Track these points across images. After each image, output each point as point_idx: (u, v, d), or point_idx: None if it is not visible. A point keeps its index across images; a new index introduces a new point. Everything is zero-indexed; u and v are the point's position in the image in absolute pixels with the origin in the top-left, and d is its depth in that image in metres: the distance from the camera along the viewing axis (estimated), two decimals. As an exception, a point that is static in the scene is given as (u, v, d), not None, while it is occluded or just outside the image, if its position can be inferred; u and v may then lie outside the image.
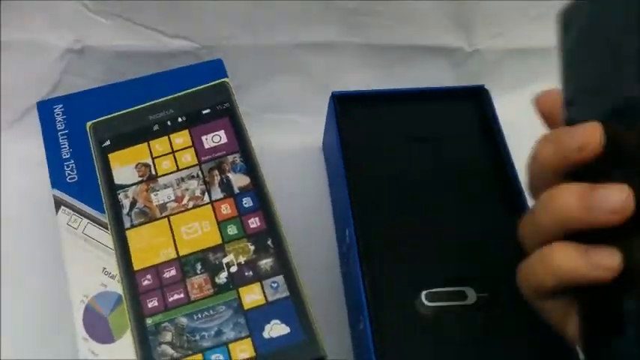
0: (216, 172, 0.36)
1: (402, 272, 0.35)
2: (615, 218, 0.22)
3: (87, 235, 0.34)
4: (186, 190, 0.35)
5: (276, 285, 0.33)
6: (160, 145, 0.37)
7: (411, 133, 0.40)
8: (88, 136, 0.37)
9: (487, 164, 0.39)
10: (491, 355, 0.33)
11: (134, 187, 0.35)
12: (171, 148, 0.37)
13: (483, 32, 0.45)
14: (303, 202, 0.43)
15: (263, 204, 0.35)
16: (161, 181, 0.35)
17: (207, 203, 0.35)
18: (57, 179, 0.35)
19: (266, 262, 0.33)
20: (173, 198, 0.35)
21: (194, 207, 0.35)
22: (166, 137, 0.37)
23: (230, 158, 0.36)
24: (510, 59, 0.47)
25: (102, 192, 0.35)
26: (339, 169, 0.39)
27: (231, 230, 0.34)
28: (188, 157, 0.36)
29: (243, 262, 0.33)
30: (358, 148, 0.39)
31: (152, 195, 0.35)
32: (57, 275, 0.33)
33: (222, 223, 0.34)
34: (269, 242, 0.34)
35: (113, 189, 0.35)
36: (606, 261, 0.22)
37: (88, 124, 0.37)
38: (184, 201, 0.35)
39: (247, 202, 0.35)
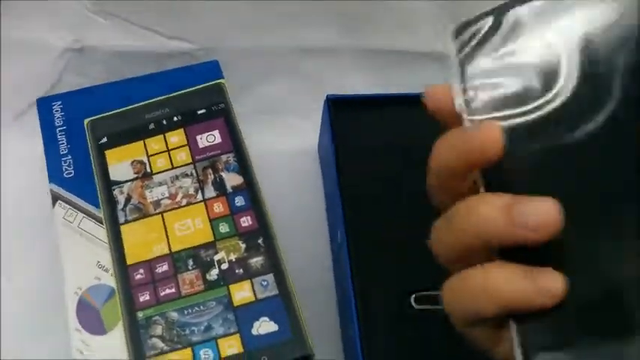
0: (209, 170, 0.37)
1: (391, 275, 0.36)
2: (542, 236, 0.20)
3: (82, 229, 0.35)
4: (180, 187, 0.36)
5: (265, 283, 0.33)
6: (155, 143, 0.37)
7: (404, 138, 0.41)
8: (86, 132, 0.38)
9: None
10: (479, 359, 0.34)
11: (129, 183, 0.36)
12: (167, 146, 0.37)
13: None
14: (297, 204, 0.43)
15: (255, 203, 0.35)
16: (156, 178, 0.36)
17: (201, 201, 0.36)
18: (54, 174, 0.36)
19: (256, 261, 0.34)
20: (167, 195, 0.36)
21: (187, 204, 0.35)
22: (162, 136, 0.38)
23: (224, 158, 0.37)
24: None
25: (98, 187, 0.36)
26: (332, 171, 0.39)
27: (223, 228, 0.35)
28: (183, 156, 0.37)
29: (234, 260, 0.34)
30: (352, 151, 0.40)
31: (147, 192, 0.36)
32: (52, 267, 0.34)
33: (214, 221, 0.35)
34: (260, 241, 0.34)
35: (109, 185, 0.36)
36: (553, 285, 0.20)
37: (86, 121, 0.38)
38: (178, 198, 0.36)
39: (239, 201, 0.36)
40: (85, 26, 0.43)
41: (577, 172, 0.22)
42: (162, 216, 0.35)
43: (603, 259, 0.21)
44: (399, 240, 0.37)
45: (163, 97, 0.39)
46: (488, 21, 0.25)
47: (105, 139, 0.38)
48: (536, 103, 0.23)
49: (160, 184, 0.36)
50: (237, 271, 0.33)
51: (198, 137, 0.38)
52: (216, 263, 0.34)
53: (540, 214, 0.20)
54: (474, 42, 0.25)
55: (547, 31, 0.24)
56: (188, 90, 0.39)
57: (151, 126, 0.38)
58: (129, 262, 0.34)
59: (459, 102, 0.24)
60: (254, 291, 0.33)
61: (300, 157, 0.46)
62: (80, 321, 0.32)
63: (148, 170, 0.36)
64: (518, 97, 0.24)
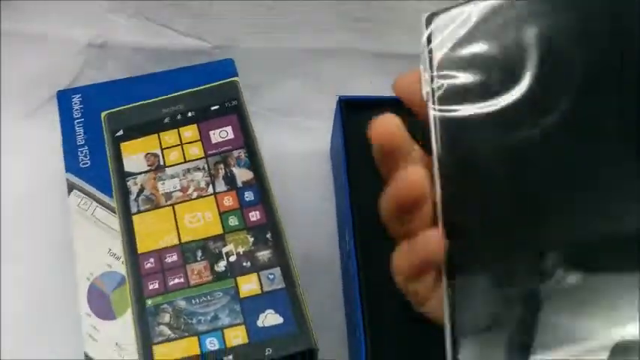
0: (221, 165, 0.37)
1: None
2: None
3: (96, 217, 0.36)
4: (192, 181, 0.37)
5: (272, 277, 0.34)
6: (169, 137, 0.38)
7: (414, 140, 0.41)
8: (102, 125, 0.39)
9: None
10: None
11: (143, 175, 0.37)
12: (180, 140, 0.38)
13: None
14: (307, 203, 0.44)
15: (264, 198, 0.36)
16: (168, 171, 0.37)
17: (211, 194, 0.36)
18: (71, 164, 0.37)
19: (264, 254, 0.34)
20: (179, 188, 0.37)
21: (198, 197, 0.36)
22: (176, 130, 0.39)
23: (235, 153, 0.38)
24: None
25: (112, 178, 0.37)
26: (343, 172, 0.40)
27: (232, 221, 0.35)
28: (195, 150, 0.38)
29: (242, 253, 0.34)
30: (362, 153, 0.40)
31: (159, 184, 0.37)
32: (65, 254, 0.35)
33: (223, 214, 0.36)
34: (268, 235, 0.35)
35: (123, 176, 0.37)
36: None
37: (103, 113, 0.39)
38: (189, 191, 0.36)
39: (249, 195, 0.36)
40: (106, 23, 0.44)
41: (536, 164, 0.23)
42: (174, 208, 0.36)
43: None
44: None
45: (179, 93, 0.40)
46: (462, 12, 0.25)
47: (121, 132, 0.39)
48: (499, 96, 0.24)
49: (173, 176, 0.37)
50: (244, 263, 0.34)
51: (211, 132, 0.38)
52: (224, 255, 0.34)
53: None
54: (445, 32, 0.25)
55: (515, 25, 0.25)
56: (203, 87, 0.40)
57: (166, 120, 0.39)
58: (140, 250, 0.34)
59: (426, 90, 0.25)
60: (261, 284, 0.34)
61: (311, 158, 0.47)
62: (90, 306, 0.33)
63: (162, 163, 0.37)
64: (482, 89, 0.24)
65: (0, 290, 0.39)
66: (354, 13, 0.45)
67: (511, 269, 0.22)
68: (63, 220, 0.36)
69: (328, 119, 0.44)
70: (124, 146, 0.38)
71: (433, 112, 0.24)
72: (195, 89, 0.40)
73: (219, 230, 0.35)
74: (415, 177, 0.23)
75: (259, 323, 0.32)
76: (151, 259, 0.34)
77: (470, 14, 0.25)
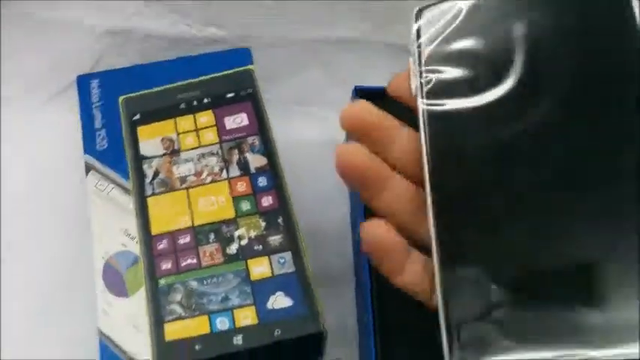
0: (235, 151, 0.38)
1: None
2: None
3: (112, 198, 0.36)
4: (206, 165, 0.37)
5: (283, 261, 0.34)
6: (185, 122, 0.39)
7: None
8: (120, 109, 0.40)
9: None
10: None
11: (158, 158, 0.38)
12: (196, 126, 0.39)
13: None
14: (320, 193, 0.44)
15: (277, 184, 0.37)
16: (183, 155, 0.38)
17: (225, 179, 0.37)
18: (89, 146, 0.38)
19: (275, 239, 0.35)
20: (193, 172, 0.37)
21: (212, 182, 0.37)
22: (192, 116, 0.39)
23: (249, 140, 0.38)
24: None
25: (128, 161, 0.38)
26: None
27: (245, 206, 0.36)
28: (210, 136, 0.38)
29: (253, 237, 0.35)
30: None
31: (174, 167, 0.37)
32: (83, 232, 0.36)
33: (236, 199, 0.36)
34: (280, 220, 0.35)
35: (139, 159, 0.38)
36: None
37: (121, 98, 0.40)
38: (203, 175, 0.37)
39: (262, 181, 0.37)
40: (126, 10, 0.45)
41: (523, 155, 0.23)
42: (187, 191, 0.36)
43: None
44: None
45: (195, 79, 0.40)
46: (452, 6, 0.26)
47: (138, 116, 0.39)
48: (487, 90, 0.24)
49: (187, 161, 0.38)
50: (256, 247, 0.35)
51: (226, 119, 0.39)
52: (236, 238, 0.35)
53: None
54: (435, 26, 0.26)
55: (504, 20, 0.25)
56: (219, 74, 0.41)
57: (182, 106, 0.40)
58: (153, 232, 0.35)
59: (414, 85, 0.25)
60: (271, 267, 0.34)
61: (326, 147, 0.47)
62: (105, 283, 0.34)
63: (177, 147, 0.38)
64: (470, 83, 0.25)
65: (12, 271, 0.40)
66: (370, 5, 0.45)
67: (501, 258, 0.23)
68: (81, 200, 0.37)
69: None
70: (141, 130, 0.39)
71: (421, 106, 0.25)
72: (211, 76, 0.41)
73: (231, 214, 0.36)
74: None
75: (269, 305, 0.33)
76: (165, 241, 0.35)
77: (460, 9, 0.26)
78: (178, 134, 0.39)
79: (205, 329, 0.32)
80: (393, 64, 0.48)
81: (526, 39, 0.24)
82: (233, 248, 0.35)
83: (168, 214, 0.36)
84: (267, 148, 0.38)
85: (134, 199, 0.36)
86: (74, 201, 0.39)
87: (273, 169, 0.37)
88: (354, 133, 0.26)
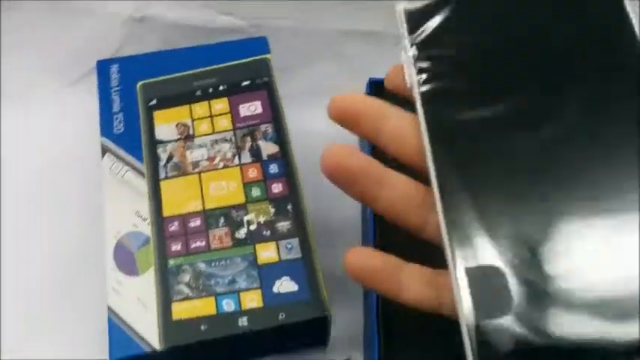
0: (248, 138, 0.39)
1: (415, 260, 0.37)
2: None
3: (125, 180, 0.37)
4: (219, 151, 0.38)
5: (290, 246, 0.35)
6: (200, 108, 0.40)
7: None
8: (137, 94, 0.41)
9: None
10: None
11: (172, 143, 0.38)
12: (210, 112, 0.40)
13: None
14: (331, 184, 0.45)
15: (288, 172, 0.37)
16: (197, 141, 0.39)
17: (237, 165, 0.38)
18: (106, 129, 0.39)
19: (284, 225, 0.36)
20: (206, 157, 0.38)
21: (224, 167, 0.37)
22: (207, 102, 0.40)
23: (262, 127, 0.39)
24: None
25: (143, 144, 0.38)
26: (367, 152, 0.40)
27: (255, 192, 0.37)
28: (224, 122, 0.39)
29: (262, 222, 0.36)
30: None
31: (187, 152, 0.38)
32: (96, 212, 0.37)
33: (247, 185, 0.37)
34: (289, 207, 0.36)
35: (153, 143, 0.38)
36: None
37: (139, 83, 0.41)
38: (216, 161, 0.38)
39: (273, 168, 0.37)
40: (146, -2, 0.46)
41: (522, 132, 0.24)
42: (200, 176, 0.37)
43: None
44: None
45: (212, 67, 0.41)
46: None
47: (154, 102, 0.40)
48: (482, 75, 0.25)
49: (201, 146, 0.38)
50: (264, 232, 0.35)
51: (240, 106, 0.40)
52: (245, 223, 0.36)
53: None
54: (428, 13, 0.26)
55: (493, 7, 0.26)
56: (236, 62, 0.41)
57: (198, 93, 0.40)
58: (165, 214, 0.36)
59: (408, 73, 0.26)
60: (279, 252, 0.35)
61: (340, 139, 0.47)
62: (116, 262, 0.35)
63: (191, 133, 0.39)
64: (464, 69, 0.26)
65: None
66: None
67: (522, 247, 0.23)
68: (97, 181, 0.38)
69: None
70: (157, 115, 0.40)
71: (416, 95, 0.25)
72: (228, 64, 0.41)
73: (242, 199, 0.36)
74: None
75: (275, 289, 0.34)
76: (175, 223, 0.36)
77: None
78: (193, 120, 0.39)
79: (212, 310, 0.33)
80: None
81: (515, 21, 0.25)
82: (242, 233, 0.35)
83: (180, 197, 0.36)
84: (280, 137, 0.39)
85: (147, 182, 0.37)
86: (90, 181, 0.39)
87: (284, 157, 0.38)
88: (343, 122, 0.27)
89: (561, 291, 0.21)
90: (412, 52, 0.26)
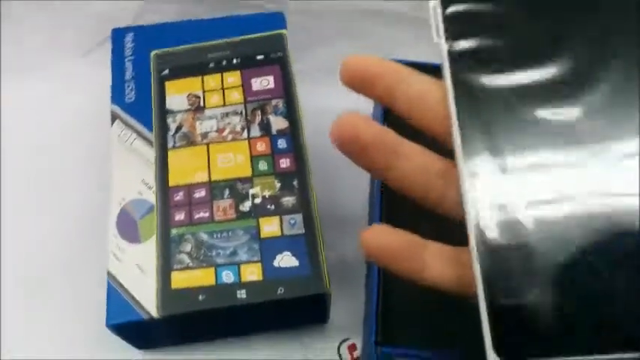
0: (258, 112, 0.38)
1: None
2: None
3: (134, 147, 0.37)
4: (228, 124, 0.38)
5: (293, 222, 0.35)
6: (212, 80, 0.40)
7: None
8: (150, 63, 0.41)
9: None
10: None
11: (182, 113, 0.38)
12: (222, 85, 0.39)
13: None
14: (341, 159, 0.44)
15: (296, 148, 0.37)
16: (207, 112, 0.38)
17: (245, 139, 0.37)
18: (117, 96, 0.39)
19: (288, 200, 0.35)
20: (215, 129, 0.38)
21: (232, 140, 0.37)
22: (219, 74, 0.40)
23: (274, 102, 0.39)
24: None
25: (153, 113, 0.38)
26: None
27: (262, 166, 0.36)
28: (236, 95, 0.39)
29: (267, 196, 0.35)
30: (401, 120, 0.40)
31: (197, 123, 0.38)
32: (101, 179, 0.37)
33: (254, 158, 0.37)
34: (295, 183, 0.36)
35: (164, 112, 0.38)
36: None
37: (152, 52, 0.41)
38: (225, 133, 0.38)
39: (282, 143, 0.37)
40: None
41: (552, 93, 0.23)
42: (208, 147, 0.37)
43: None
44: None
45: (227, 39, 0.41)
46: None
47: (167, 72, 0.40)
48: (512, 30, 0.24)
49: (210, 118, 0.38)
50: (268, 206, 0.35)
51: (252, 80, 0.39)
52: (250, 197, 0.35)
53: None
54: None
55: None
56: (251, 36, 0.41)
57: (211, 65, 0.40)
58: (171, 183, 0.36)
59: (435, 24, 0.25)
60: (281, 227, 0.34)
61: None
62: (119, 228, 0.35)
63: (202, 104, 0.39)
64: (493, 21, 0.24)
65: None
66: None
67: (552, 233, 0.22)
68: (106, 148, 0.38)
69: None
70: (169, 85, 0.40)
71: (444, 53, 0.24)
72: (242, 37, 0.41)
73: (248, 173, 0.36)
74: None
75: (275, 263, 0.33)
76: (181, 193, 0.36)
77: None
78: (204, 92, 0.39)
79: (211, 281, 0.33)
80: (426, 41, 0.48)
81: None
82: (246, 205, 0.35)
83: (187, 167, 0.36)
84: (291, 112, 0.38)
85: (156, 151, 0.37)
86: (99, 149, 0.40)
87: (294, 133, 0.37)
88: (356, 85, 0.25)
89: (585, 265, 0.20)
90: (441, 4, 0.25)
